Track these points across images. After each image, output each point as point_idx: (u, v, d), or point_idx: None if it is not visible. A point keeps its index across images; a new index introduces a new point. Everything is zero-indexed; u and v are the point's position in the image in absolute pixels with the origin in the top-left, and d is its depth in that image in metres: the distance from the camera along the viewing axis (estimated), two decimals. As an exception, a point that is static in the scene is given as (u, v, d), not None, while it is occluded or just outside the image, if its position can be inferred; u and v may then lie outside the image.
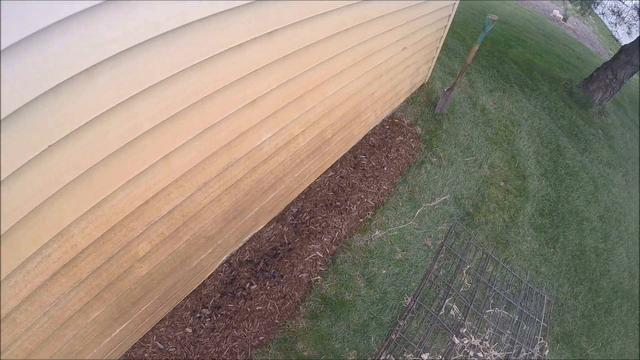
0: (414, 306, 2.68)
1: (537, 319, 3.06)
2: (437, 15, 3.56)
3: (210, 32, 1.33)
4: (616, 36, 14.15)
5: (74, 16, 0.92)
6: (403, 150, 3.66)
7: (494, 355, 2.69)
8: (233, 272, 2.42)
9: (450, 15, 3.94)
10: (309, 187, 3.08)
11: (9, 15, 0.80)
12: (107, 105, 1.13)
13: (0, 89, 0.86)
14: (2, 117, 0.90)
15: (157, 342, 2.13)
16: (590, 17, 14.71)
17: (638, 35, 6.42)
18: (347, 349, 2.37)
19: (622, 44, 6.96)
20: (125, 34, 1.06)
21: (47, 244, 1.21)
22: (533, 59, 7.48)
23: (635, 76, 11.03)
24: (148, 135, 1.33)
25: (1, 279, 1.13)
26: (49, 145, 1.04)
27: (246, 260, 2.49)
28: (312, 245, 2.67)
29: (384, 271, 2.78)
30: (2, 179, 0.97)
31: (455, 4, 3.84)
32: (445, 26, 4.05)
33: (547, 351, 2.89)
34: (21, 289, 1.21)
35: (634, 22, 8.03)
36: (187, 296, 2.29)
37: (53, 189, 1.12)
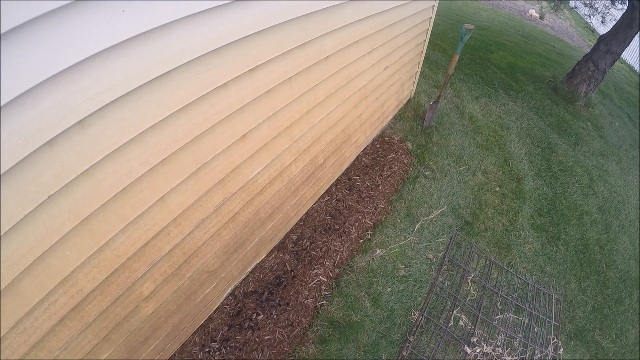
0: (422, 321, 2.69)
1: (547, 319, 3.04)
2: (415, 31, 3.66)
3: (194, 75, 1.39)
4: (592, 27, 14.24)
5: (62, 73, 0.98)
6: (396, 167, 3.71)
7: (508, 360, 2.67)
8: (239, 304, 2.44)
9: (428, 29, 4.04)
10: (307, 213, 3.11)
11: (5, 73, 0.86)
12: (101, 154, 1.18)
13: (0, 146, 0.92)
14: (1, 173, 0.94)
15: (169, 381, 2.13)
16: (565, 11, 14.91)
17: (613, 24, 6.39)
18: (360, 370, 2.35)
19: (599, 34, 6.93)
20: (113, 85, 1.12)
21: (53, 290, 1.24)
22: (515, 60, 7.58)
23: (618, 63, 11.08)
24: (143, 178, 1.38)
25: (10, 327, 1.16)
26: (49, 196, 1.08)
27: (251, 291, 2.51)
28: (315, 270, 2.69)
29: (389, 289, 2.78)
30: (5, 231, 1.01)
31: (431, 18, 3.94)
32: (425, 40, 4.15)
33: (562, 350, 2.86)
34: (30, 335, 1.23)
35: (606, 11, 8.04)
36: (195, 331, 2.29)
37: (55, 237, 1.16)
